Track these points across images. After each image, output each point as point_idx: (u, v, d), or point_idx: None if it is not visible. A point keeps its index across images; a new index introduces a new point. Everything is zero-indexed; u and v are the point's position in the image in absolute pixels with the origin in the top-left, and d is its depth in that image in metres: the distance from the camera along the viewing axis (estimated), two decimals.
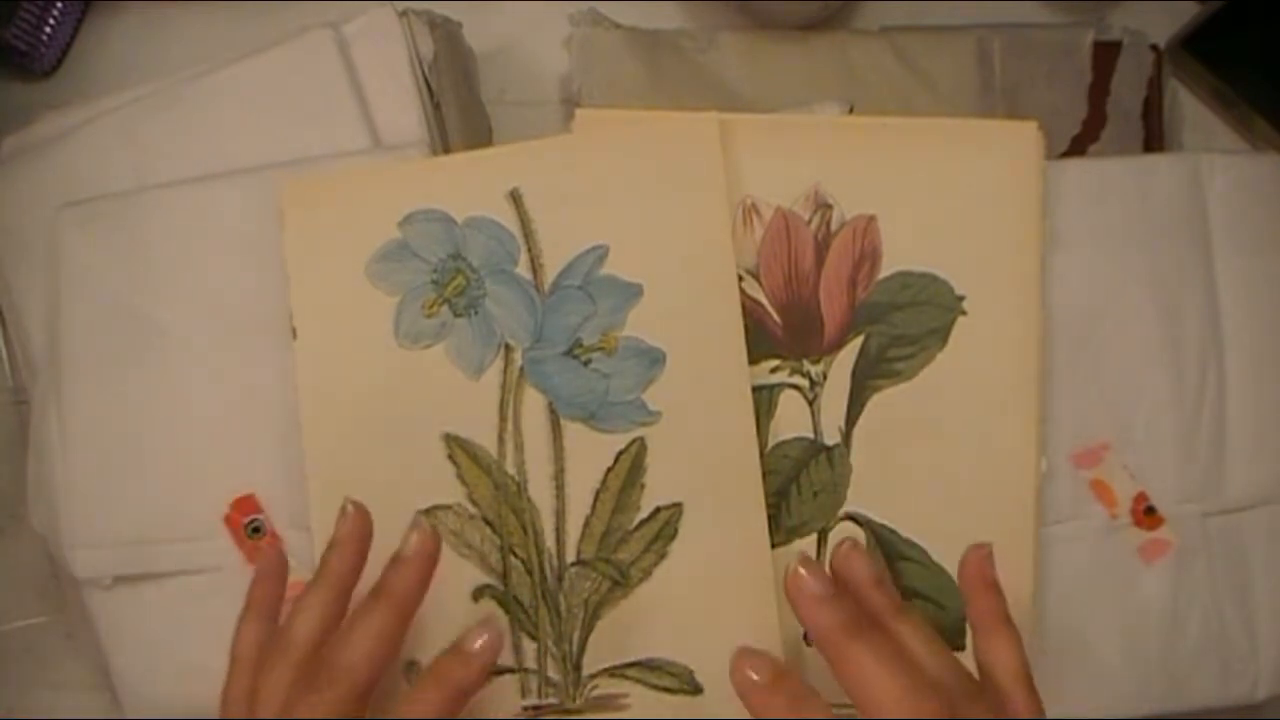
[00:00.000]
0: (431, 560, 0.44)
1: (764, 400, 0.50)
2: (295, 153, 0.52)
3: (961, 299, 0.50)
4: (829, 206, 0.51)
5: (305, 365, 0.50)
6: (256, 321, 0.51)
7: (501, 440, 0.50)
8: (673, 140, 0.50)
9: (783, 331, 0.51)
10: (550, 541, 0.50)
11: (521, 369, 0.50)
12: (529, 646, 0.50)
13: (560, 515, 0.50)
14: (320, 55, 0.53)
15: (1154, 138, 0.59)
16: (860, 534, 0.50)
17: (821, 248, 0.51)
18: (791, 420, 0.51)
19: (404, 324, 0.50)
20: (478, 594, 0.50)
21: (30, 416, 0.52)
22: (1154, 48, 0.59)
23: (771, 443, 0.51)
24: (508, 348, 0.50)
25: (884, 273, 0.51)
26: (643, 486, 0.49)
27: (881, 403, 0.50)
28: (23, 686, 0.56)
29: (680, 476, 0.49)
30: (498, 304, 0.50)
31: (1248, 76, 0.59)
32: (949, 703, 0.39)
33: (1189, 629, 0.52)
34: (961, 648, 0.50)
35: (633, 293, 0.49)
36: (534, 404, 0.50)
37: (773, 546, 0.50)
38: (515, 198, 0.50)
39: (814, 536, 0.51)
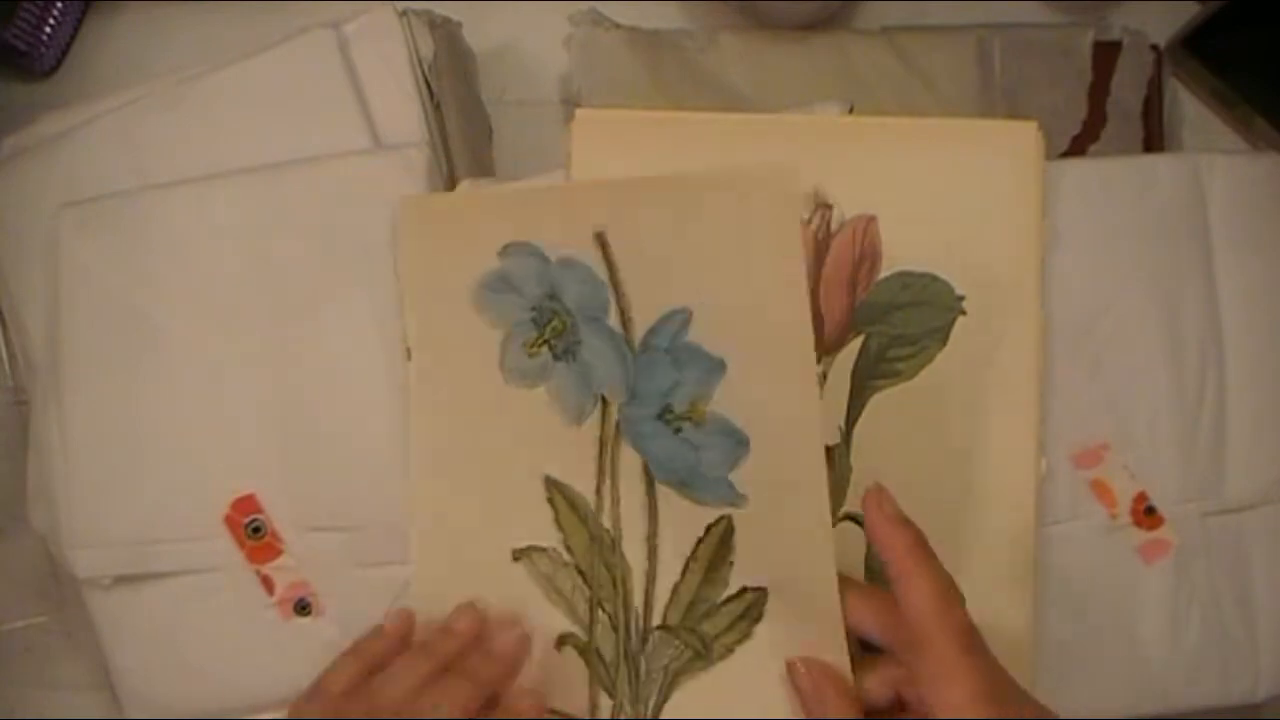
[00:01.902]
0: (519, 664, 0.48)
1: None
2: (295, 153, 0.52)
3: (961, 299, 0.50)
4: (829, 206, 0.51)
5: (420, 387, 0.49)
6: (256, 321, 0.51)
7: (599, 493, 0.49)
8: (754, 204, 0.47)
9: None
10: (638, 601, 0.49)
11: (618, 425, 0.49)
12: (605, 703, 0.49)
13: (650, 578, 0.49)
14: (320, 55, 0.53)
15: (1154, 138, 0.59)
16: (861, 534, 0.50)
17: (821, 248, 0.51)
18: None
19: (509, 359, 0.49)
20: (561, 641, 0.49)
21: (30, 416, 0.52)
22: (1154, 48, 0.59)
23: None
24: (604, 400, 0.49)
25: (884, 273, 0.51)
26: (731, 564, 0.48)
27: (881, 403, 0.50)
28: (23, 686, 0.56)
29: (765, 562, 0.48)
30: (592, 354, 0.49)
31: (1248, 76, 0.59)
32: None
33: (1189, 629, 0.52)
34: None
35: (717, 366, 0.48)
36: (630, 461, 0.49)
37: None
38: (601, 241, 0.48)
39: None
